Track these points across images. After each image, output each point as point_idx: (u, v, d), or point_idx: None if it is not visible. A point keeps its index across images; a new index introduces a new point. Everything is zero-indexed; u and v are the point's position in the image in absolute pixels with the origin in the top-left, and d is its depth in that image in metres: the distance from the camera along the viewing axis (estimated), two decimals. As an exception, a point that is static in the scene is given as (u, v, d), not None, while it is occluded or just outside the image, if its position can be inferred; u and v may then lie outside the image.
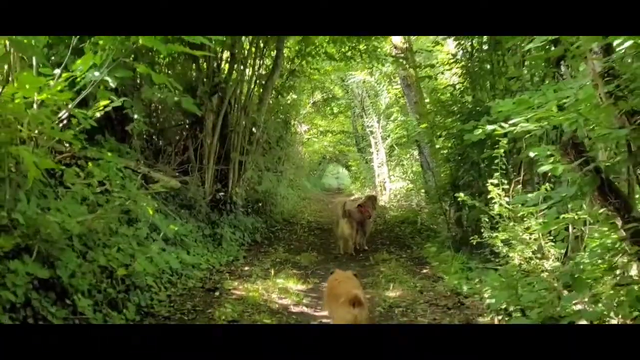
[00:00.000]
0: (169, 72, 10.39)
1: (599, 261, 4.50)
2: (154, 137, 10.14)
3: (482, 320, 5.83)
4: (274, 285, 7.36)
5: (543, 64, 8.07)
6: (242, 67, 11.74)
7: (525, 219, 5.75)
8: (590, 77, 4.17)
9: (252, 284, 7.39)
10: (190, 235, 8.66)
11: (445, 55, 13.15)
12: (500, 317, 5.56)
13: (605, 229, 4.83)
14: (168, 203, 8.98)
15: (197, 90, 10.12)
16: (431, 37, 13.47)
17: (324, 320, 6.10)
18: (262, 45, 12.23)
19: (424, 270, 8.83)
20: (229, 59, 11.33)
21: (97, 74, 5.41)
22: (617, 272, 4.45)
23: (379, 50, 15.38)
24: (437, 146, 12.09)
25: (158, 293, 6.23)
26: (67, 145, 6.56)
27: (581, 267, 4.69)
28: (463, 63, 10.78)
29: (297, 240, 12.25)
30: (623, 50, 3.91)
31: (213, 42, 7.04)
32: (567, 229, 5.62)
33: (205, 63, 10.67)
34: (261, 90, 12.60)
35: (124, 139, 8.47)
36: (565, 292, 5.23)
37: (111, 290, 5.31)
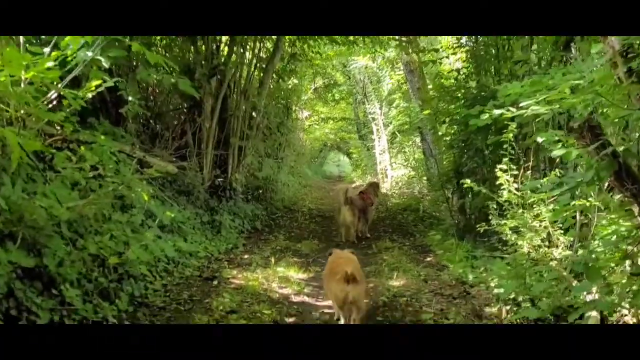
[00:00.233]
0: (166, 54, 10.12)
1: (614, 250, 4.28)
2: (150, 121, 9.88)
3: (489, 310, 5.62)
4: (274, 274, 7.13)
5: (551, 46, 7.87)
6: (241, 50, 11.49)
7: (534, 206, 5.52)
8: (609, 55, 3.93)
9: (251, 272, 7.17)
10: (187, 223, 8.42)
11: (449, 40, 12.92)
12: (508, 307, 5.34)
13: (614, 216, 4.63)
14: (165, 189, 8.75)
15: (195, 72, 9.84)
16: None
17: (326, 310, 5.90)
18: (262, 27, 11.91)
19: (428, 259, 8.62)
20: (228, 41, 11.05)
21: (89, 53, 5.16)
22: (631, 261, 4.25)
23: (382, 33, 15.10)
24: (440, 133, 11.93)
25: (153, 282, 6.00)
26: (59, 128, 6.35)
27: (594, 255, 4.48)
28: (468, 47, 10.54)
29: (298, 228, 12.04)
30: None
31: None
32: (574, 216, 5.40)
33: (203, 45, 10.39)
34: (261, 73, 12.36)
35: (119, 122, 8.22)
36: (575, 282, 5.04)
37: (103, 280, 5.07)
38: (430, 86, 14.41)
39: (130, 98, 7.79)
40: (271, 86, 13.36)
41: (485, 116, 5.55)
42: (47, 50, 4.95)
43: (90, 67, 5.60)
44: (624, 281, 4.35)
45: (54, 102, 5.68)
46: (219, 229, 9.46)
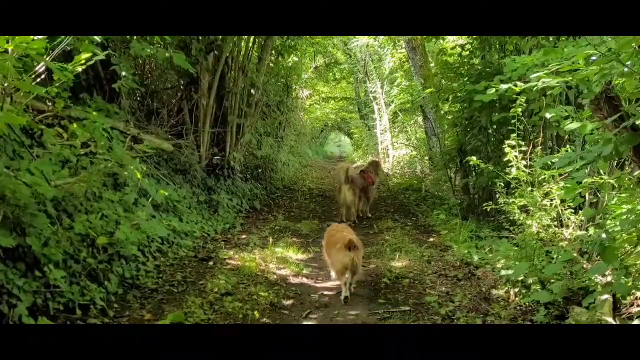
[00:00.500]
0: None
1: (631, 230, 4.03)
2: (147, 98, 9.58)
3: (495, 292, 5.38)
4: (272, 255, 6.90)
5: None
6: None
7: (544, 184, 5.27)
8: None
9: (249, 253, 6.93)
10: (183, 202, 8.16)
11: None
12: (517, 290, 5.10)
13: (626, 194, 4.41)
14: (161, 167, 8.49)
15: (191, 48, 9.52)
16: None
17: (326, 292, 5.69)
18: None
19: (431, 239, 8.37)
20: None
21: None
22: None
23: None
24: (443, 111, 11.68)
25: (145, 263, 5.76)
26: (50, 104, 6.10)
27: (605, 235, 4.23)
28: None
29: (298, 208, 11.81)
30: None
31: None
32: (581, 194, 5.16)
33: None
34: (260, 49, 12.02)
35: (114, 99, 7.94)
36: (583, 261, 4.81)
37: (91, 260, 4.82)
38: (432, 64, 14.12)
39: (123, 73, 7.50)
40: (270, 63, 13.04)
41: (492, 91, 5.30)
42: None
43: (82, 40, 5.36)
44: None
45: (43, 77, 5.45)
46: (216, 208, 9.22)
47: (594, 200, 5.44)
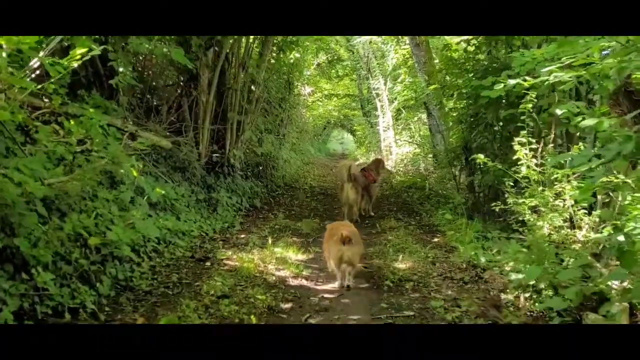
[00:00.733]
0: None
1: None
2: (146, 95, 9.38)
3: (504, 297, 5.14)
4: (272, 255, 6.68)
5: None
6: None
7: (556, 183, 5.06)
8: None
9: (247, 253, 6.73)
10: (181, 200, 7.96)
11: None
12: (527, 295, 4.87)
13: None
14: (159, 165, 8.29)
15: (191, 43, 9.32)
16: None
17: (326, 295, 5.48)
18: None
19: (435, 239, 8.16)
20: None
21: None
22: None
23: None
24: (448, 108, 11.47)
25: (140, 264, 5.57)
26: (47, 100, 5.92)
27: (621, 238, 4.01)
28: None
29: (299, 206, 11.62)
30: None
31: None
32: (594, 195, 4.95)
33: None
34: (261, 45, 11.81)
35: (112, 96, 7.74)
36: (599, 266, 4.59)
37: (83, 261, 4.63)
38: (437, 60, 13.90)
39: (121, 69, 7.30)
40: (272, 59, 12.84)
41: (500, 86, 5.10)
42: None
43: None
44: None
45: (38, 72, 5.28)
46: (215, 206, 9.03)
47: (607, 200, 5.22)
